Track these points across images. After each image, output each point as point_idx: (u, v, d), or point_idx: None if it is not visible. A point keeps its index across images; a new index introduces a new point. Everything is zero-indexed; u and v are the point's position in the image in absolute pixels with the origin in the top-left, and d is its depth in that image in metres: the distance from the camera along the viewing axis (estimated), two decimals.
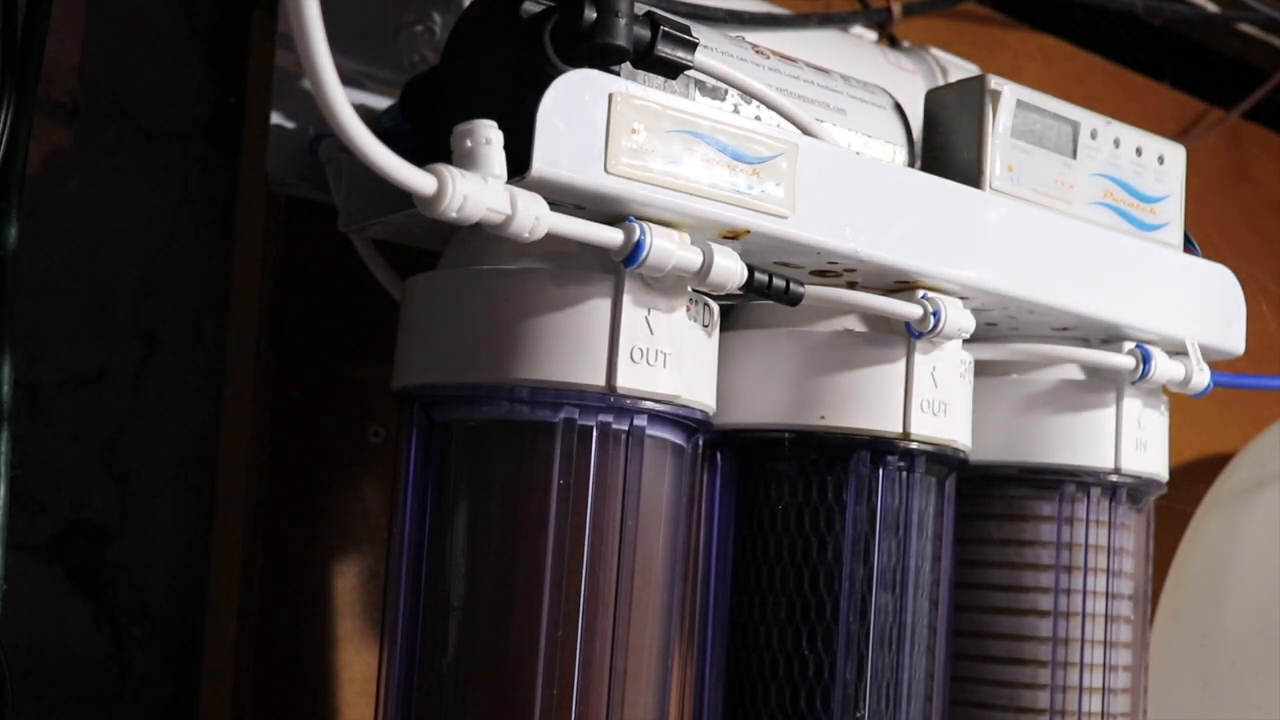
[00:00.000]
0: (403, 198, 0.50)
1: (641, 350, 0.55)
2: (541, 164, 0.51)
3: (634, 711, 0.56)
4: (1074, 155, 0.68)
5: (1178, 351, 0.72)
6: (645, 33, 0.55)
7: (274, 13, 0.69)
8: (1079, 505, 0.71)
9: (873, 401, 0.62)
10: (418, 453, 0.58)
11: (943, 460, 0.65)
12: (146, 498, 0.70)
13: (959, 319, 0.63)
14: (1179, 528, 1.00)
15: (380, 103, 0.68)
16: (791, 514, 0.64)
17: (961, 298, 0.64)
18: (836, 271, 0.62)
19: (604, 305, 0.55)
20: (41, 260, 0.67)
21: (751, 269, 0.57)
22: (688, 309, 0.57)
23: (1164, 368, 0.70)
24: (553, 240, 0.53)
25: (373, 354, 0.68)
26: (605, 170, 0.52)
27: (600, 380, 0.54)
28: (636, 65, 0.56)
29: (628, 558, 0.56)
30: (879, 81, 0.70)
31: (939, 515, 0.66)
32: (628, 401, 0.55)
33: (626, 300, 0.55)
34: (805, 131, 0.60)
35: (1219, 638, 0.98)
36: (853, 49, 0.80)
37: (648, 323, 0.55)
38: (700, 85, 0.60)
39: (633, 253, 0.53)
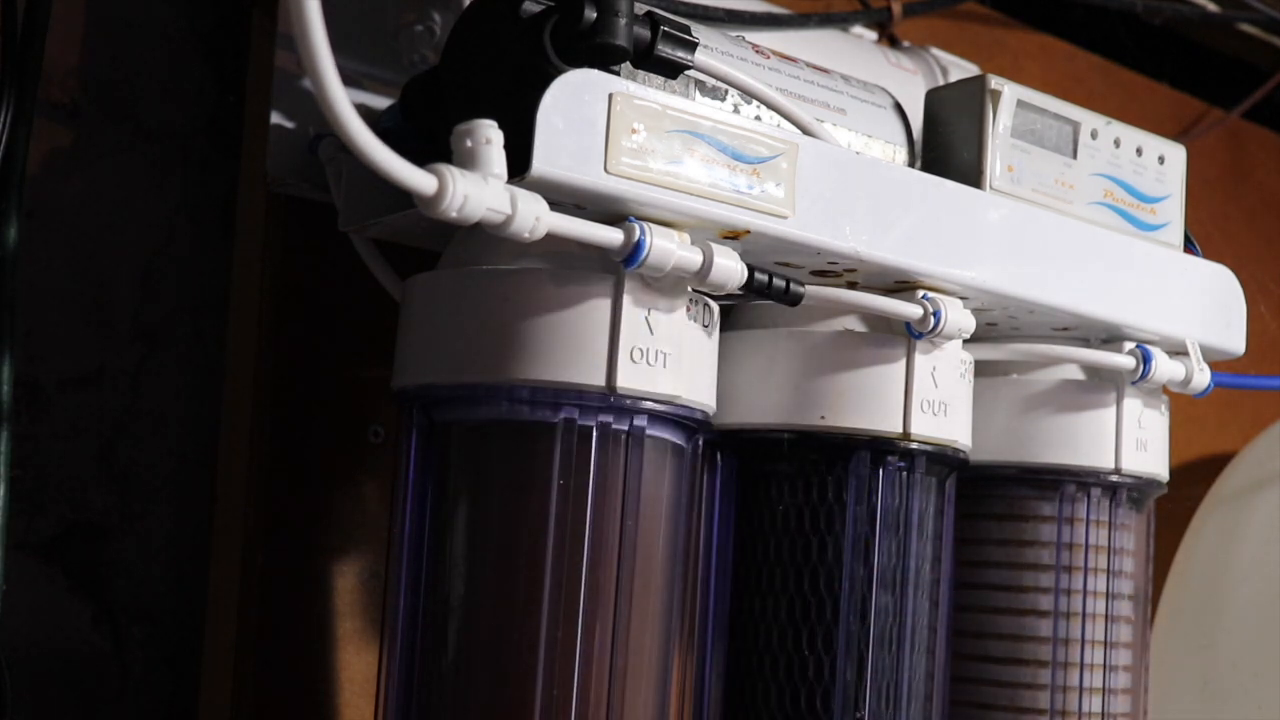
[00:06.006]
0: (403, 198, 0.50)
1: (641, 350, 0.55)
2: (541, 164, 0.51)
3: (634, 711, 0.56)
4: (1074, 155, 0.68)
5: (1178, 351, 0.72)
6: (645, 33, 0.55)
7: (274, 13, 0.69)
8: (1079, 505, 0.71)
9: (873, 401, 0.62)
10: (418, 453, 0.58)
11: (943, 460, 0.65)
12: (146, 498, 0.70)
13: (959, 319, 0.63)
14: (1179, 528, 1.00)
15: (380, 103, 0.68)
16: (791, 514, 0.64)
17: (961, 298, 0.64)
18: (836, 271, 0.62)
19: (604, 305, 0.55)
20: (41, 260, 0.67)
21: (751, 269, 0.57)
22: (688, 309, 0.57)
23: (1164, 368, 0.70)
24: (553, 240, 0.53)
25: (373, 354, 0.68)
26: (605, 170, 0.52)
27: (600, 380, 0.54)
28: (636, 65, 0.56)
29: (628, 558, 0.55)
30: (879, 81, 0.70)
31: (939, 515, 0.66)
32: (628, 401, 0.55)
33: (626, 300, 0.55)
34: (805, 131, 0.60)
35: (1219, 638, 0.97)
36: (853, 49, 0.80)
37: (648, 323, 0.55)
38: (700, 85, 0.60)
39: (633, 253, 0.53)
